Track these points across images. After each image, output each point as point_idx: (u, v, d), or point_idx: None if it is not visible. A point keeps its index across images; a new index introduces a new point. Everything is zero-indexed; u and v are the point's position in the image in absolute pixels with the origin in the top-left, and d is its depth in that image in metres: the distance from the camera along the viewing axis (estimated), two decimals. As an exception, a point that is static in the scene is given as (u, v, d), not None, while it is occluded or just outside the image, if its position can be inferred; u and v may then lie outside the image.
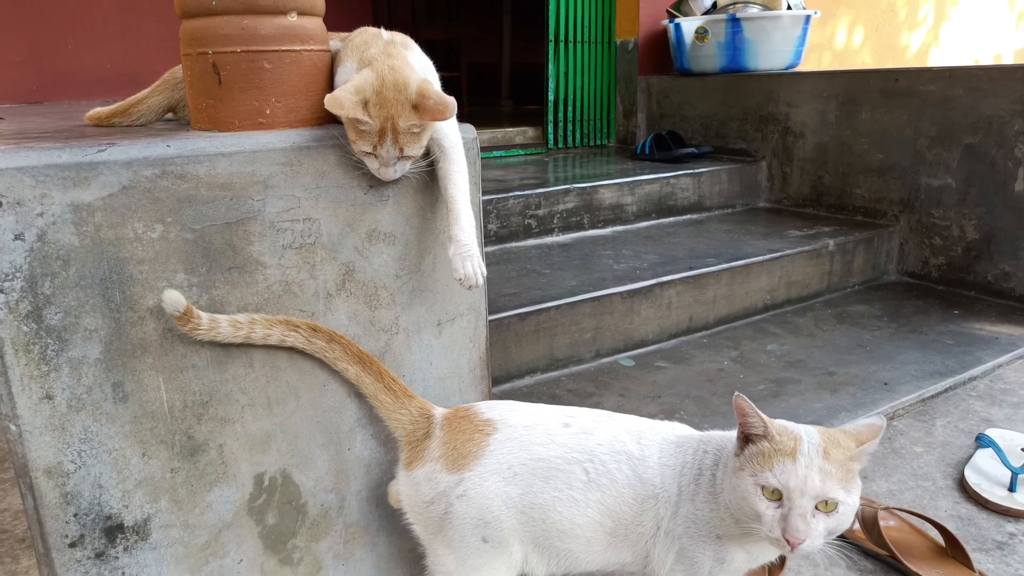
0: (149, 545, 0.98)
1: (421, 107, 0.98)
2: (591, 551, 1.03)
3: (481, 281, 1.04)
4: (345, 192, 1.03)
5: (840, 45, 4.77)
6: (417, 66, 1.04)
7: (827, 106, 3.06)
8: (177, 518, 1.00)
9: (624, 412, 1.91)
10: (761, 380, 2.08)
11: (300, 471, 1.08)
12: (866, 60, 4.94)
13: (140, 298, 0.92)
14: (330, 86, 1.08)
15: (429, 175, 1.09)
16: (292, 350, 1.03)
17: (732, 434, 1.02)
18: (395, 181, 1.05)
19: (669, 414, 1.91)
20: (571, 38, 3.71)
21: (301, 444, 1.07)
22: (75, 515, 0.93)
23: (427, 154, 1.08)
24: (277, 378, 1.04)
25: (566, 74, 3.75)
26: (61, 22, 2.64)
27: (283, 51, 1.01)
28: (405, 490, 1.05)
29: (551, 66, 3.69)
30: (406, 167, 1.02)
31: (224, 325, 0.96)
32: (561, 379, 2.14)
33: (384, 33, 1.07)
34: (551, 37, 3.64)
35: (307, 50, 1.03)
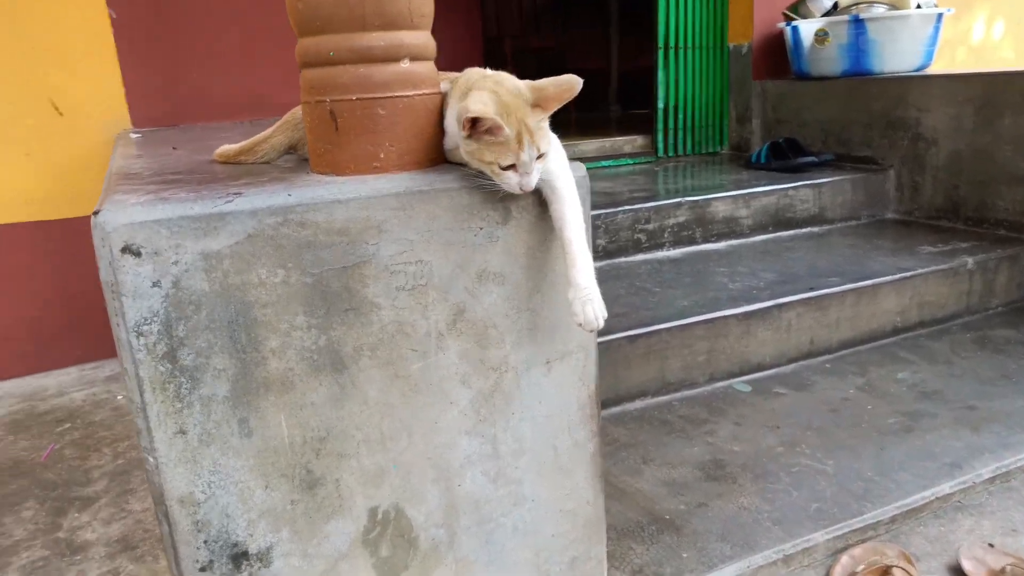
0: (271, 572, 1.03)
1: (542, 99, 0.98)
2: None
3: (602, 324, 1.03)
4: (455, 234, 1.04)
5: (977, 41, 4.42)
6: None
7: (963, 110, 2.84)
8: (297, 547, 1.04)
9: (739, 442, 1.85)
10: (891, 412, 1.95)
11: (412, 506, 1.10)
12: (1007, 56, 4.55)
13: (264, 339, 0.96)
14: (440, 128, 1.09)
15: (537, 215, 1.09)
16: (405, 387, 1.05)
17: None
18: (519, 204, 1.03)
19: (789, 447, 1.82)
20: (681, 44, 3.62)
21: (413, 479, 1.09)
22: (205, 542, 0.98)
23: (537, 192, 1.07)
24: (391, 415, 1.06)
25: (676, 81, 3.66)
26: (193, 52, 2.82)
27: (396, 97, 1.02)
28: None
29: (660, 73, 3.62)
30: (539, 171, 1.01)
31: None
32: (673, 403, 2.08)
33: (488, 71, 1.07)
34: (660, 44, 3.57)
35: (419, 94, 1.05)
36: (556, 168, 1.06)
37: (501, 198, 1.04)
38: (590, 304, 1.01)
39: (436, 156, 1.09)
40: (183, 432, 0.94)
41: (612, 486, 1.70)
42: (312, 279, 0.97)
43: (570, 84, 0.97)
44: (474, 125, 0.96)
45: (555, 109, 0.99)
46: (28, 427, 2.27)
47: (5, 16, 2.49)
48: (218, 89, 2.92)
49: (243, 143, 1.31)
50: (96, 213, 0.88)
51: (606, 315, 1.02)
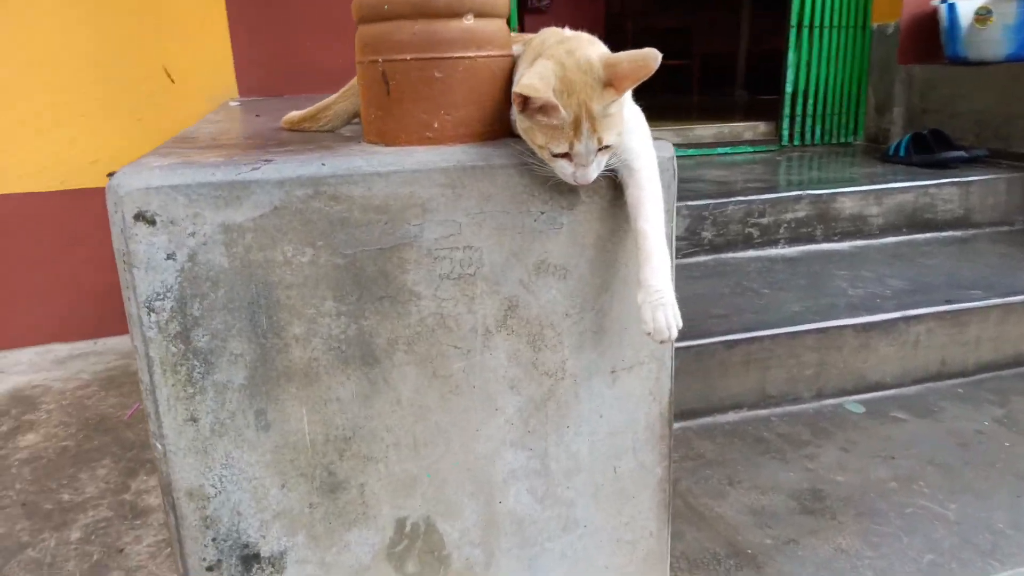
0: (286, 578, 0.94)
1: (616, 77, 0.81)
2: None
3: (675, 334, 0.86)
4: (512, 218, 0.90)
5: None
6: None
7: None
8: (313, 555, 0.94)
9: (844, 471, 1.63)
10: (1034, 453, 1.66)
11: (445, 520, 0.98)
12: None
13: (287, 324, 0.86)
14: (507, 95, 0.95)
15: (611, 199, 0.93)
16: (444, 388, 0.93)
17: None
18: (589, 187, 0.89)
19: (904, 483, 1.58)
20: (817, 23, 3.29)
21: (448, 491, 0.97)
22: (213, 539, 0.90)
23: (613, 173, 0.91)
24: (426, 418, 0.94)
25: (808, 63, 3.34)
26: (301, 23, 2.81)
27: (456, 58, 0.89)
28: None
29: (791, 54, 3.31)
30: (602, 163, 0.86)
31: None
32: (771, 419, 1.87)
33: (567, 31, 0.92)
34: (794, 22, 3.26)
35: (483, 56, 0.91)
36: (637, 146, 0.90)
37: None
38: (662, 310, 0.85)
39: (500, 128, 0.95)
40: (194, 420, 0.86)
41: (690, 508, 1.52)
42: (344, 261, 0.87)
43: (645, 60, 0.80)
44: (527, 101, 0.81)
45: (629, 89, 0.82)
46: (120, 384, 2.34)
47: (126, -17, 2.55)
48: (325, 59, 2.89)
49: (307, 109, 1.22)
50: (111, 175, 0.80)
51: (681, 324, 0.86)
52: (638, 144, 0.90)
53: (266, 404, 0.88)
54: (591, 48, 0.86)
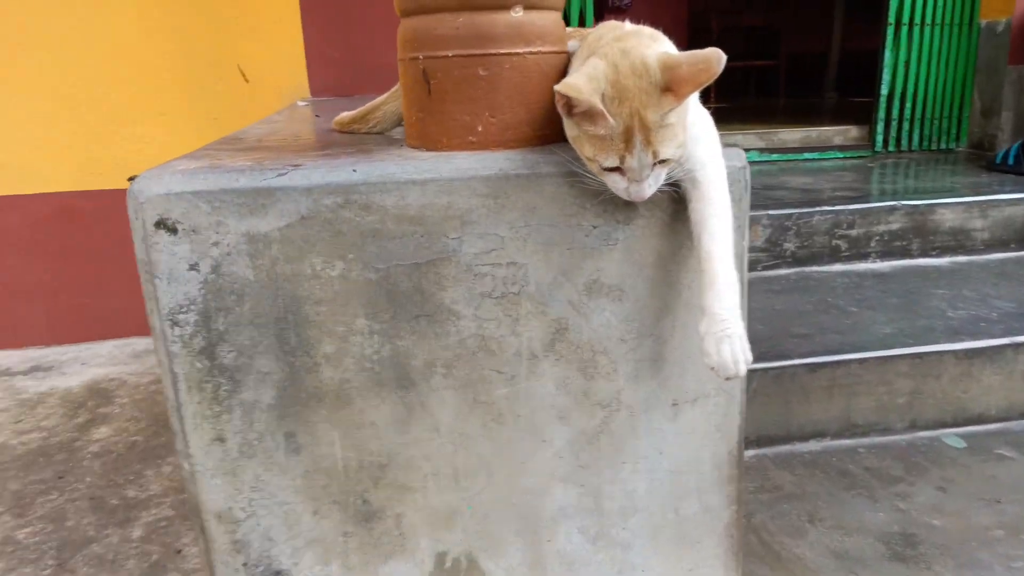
0: (316, 611, 0.88)
1: (675, 81, 0.71)
2: None
3: (743, 370, 0.75)
4: (561, 233, 0.82)
5: None
6: None
7: None
8: (346, 588, 0.88)
9: (941, 514, 1.46)
10: None
11: (488, 557, 0.90)
12: None
13: (316, 342, 0.80)
14: (560, 96, 0.86)
15: (672, 213, 0.83)
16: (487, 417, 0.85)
17: None
18: (646, 202, 0.80)
19: (1012, 532, 1.40)
20: (918, 20, 3.06)
21: (491, 526, 0.89)
22: (244, 564, 0.85)
23: (675, 189, 0.82)
24: (467, 447, 0.86)
25: (907, 63, 3.11)
26: (373, 22, 2.80)
27: (502, 55, 0.81)
28: None
29: (888, 54, 3.09)
30: (661, 178, 0.77)
31: None
32: (858, 451, 1.71)
33: (627, 25, 0.82)
34: (891, 19, 3.04)
35: (533, 53, 0.83)
36: (702, 155, 0.80)
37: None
38: (728, 342, 0.74)
39: (551, 133, 0.87)
40: (221, 440, 0.81)
41: (765, 546, 1.39)
42: (377, 275, 0.80)
43: (707, 62, 0.69)
44: (570, 103, 0.72)
45: (689, 95, 0.72)
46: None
47: (204, -16, 2.59)
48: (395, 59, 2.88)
49: (357, 110, 1.17)
50: (131, 179, 0.76)
51: (750, 359, 0.75)
52: (704, 152, 0.80)
53: (296, 426, 0.82)
54: (652, 46, 0.77)
